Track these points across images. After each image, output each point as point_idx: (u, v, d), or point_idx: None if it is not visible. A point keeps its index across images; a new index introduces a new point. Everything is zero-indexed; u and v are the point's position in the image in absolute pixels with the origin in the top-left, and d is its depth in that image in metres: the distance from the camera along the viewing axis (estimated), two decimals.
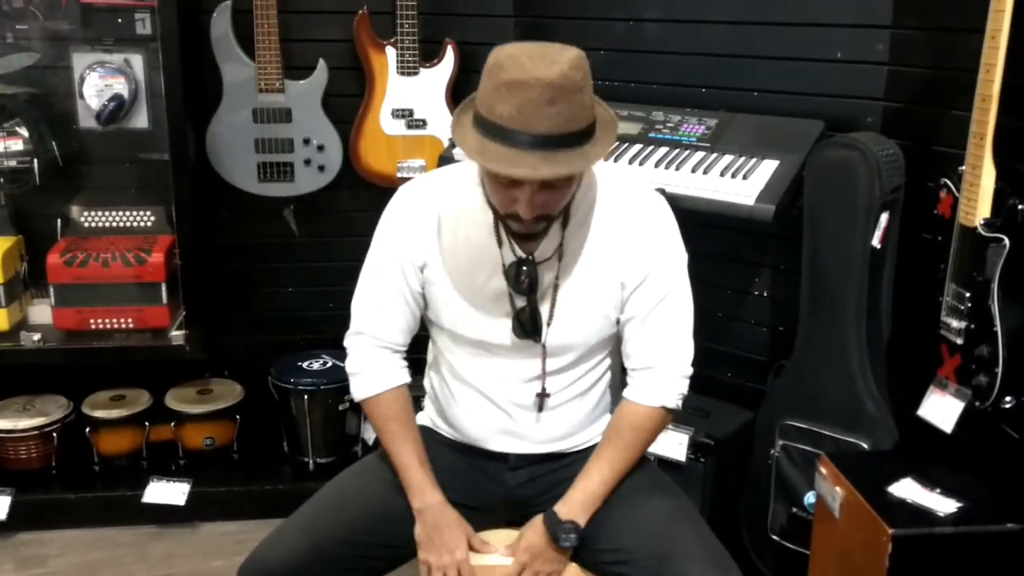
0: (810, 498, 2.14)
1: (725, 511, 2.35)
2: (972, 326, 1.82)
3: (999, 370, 1.77)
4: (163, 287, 2.69)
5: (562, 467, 1.75)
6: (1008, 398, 1.78)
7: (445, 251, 1.65)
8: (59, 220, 2.80)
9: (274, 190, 2.87)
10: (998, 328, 1.77)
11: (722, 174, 2.22)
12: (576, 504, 1.63)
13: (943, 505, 1.78)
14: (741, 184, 2.17)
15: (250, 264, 3.09)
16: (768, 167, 2.19)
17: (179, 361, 2.80)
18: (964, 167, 1.81)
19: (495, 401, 1.71)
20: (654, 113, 2.46)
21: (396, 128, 2.87)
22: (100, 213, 2.83)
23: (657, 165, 2.32)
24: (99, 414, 2.86)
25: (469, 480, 1.77)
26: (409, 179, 1.74)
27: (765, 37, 2.35)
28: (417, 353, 1.82)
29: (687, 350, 1.68)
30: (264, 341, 3.10)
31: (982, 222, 1.78)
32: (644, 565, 1.56)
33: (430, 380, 1.84)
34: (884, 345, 2.16)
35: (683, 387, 1.68)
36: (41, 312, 2.77)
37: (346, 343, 1.76)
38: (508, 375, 1.69)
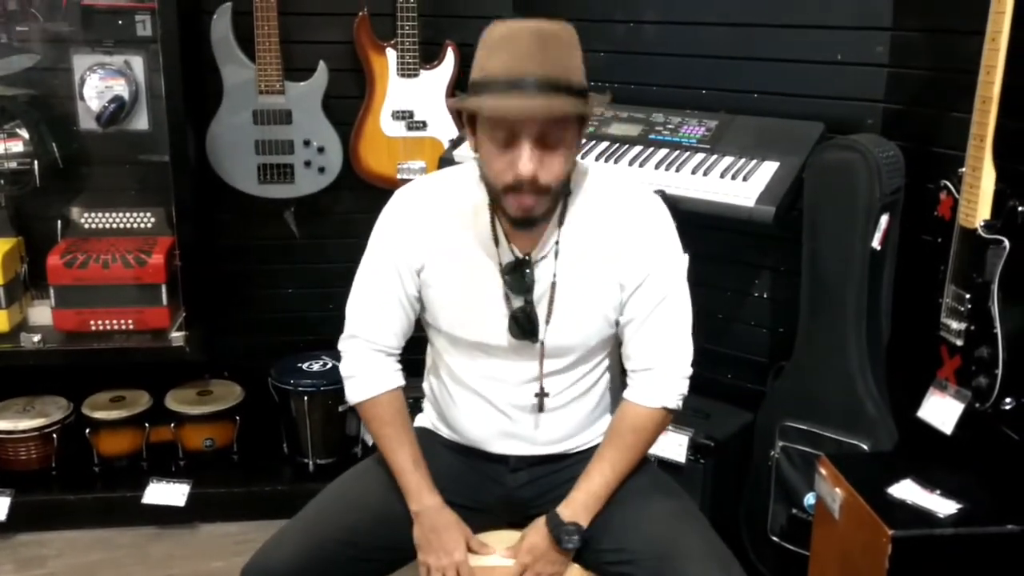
0: (810, 499, 2.15)
1: (725, 512, 2.35)
2: (972, 328, 1.82)
3: (999, 371, 1.77)
4: (163, 288, 2.69)
5: (562, 469, 1.75)
6: (1008, 399, 1.79)
7: (442, 253, 1.65)
8: (59, 221, 2.80)
9: (274, 192, 2.87)
10: (998, 330, 1.77)
11: (722, 176, 2.22)
12: (578, 505, 1.63)
13: (943, 506, 1.78)
14: (741, 186, 2.17)
15: (250, 265, 3.10)
16: (768, 169, 2.19)
17: (179, 362, 2.80)
18: (964, 169, 1.81)
19: (494, 404, 1.71)
20: (654, 115, 2.46)
21: (396, 130, 2.87)
22: (100, 214, 2.83)
23: (657, 167, 2.32)
24: (99, 415, 2.86)
25: (469, 482, 1.77)
26: (409, 180, 1.74)
27: (765, 39, 2.36)
28: (415, 354, 1.82)
29: (687, 351, 1.68)
30: (264, 342, 3.11)
31: (982, 224, 1.78)
32: (647, 565, 1.56)
33: (429, 383, 1.84)
34: (884, 346, 2.16)
35: (683, 388, 1.68)
36: (41, 313, 2.78)
37: (340, 346, 1.75)
38: (507, 377, 1.69)
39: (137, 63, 2.72)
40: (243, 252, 3.07)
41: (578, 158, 1.64)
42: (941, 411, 1.88)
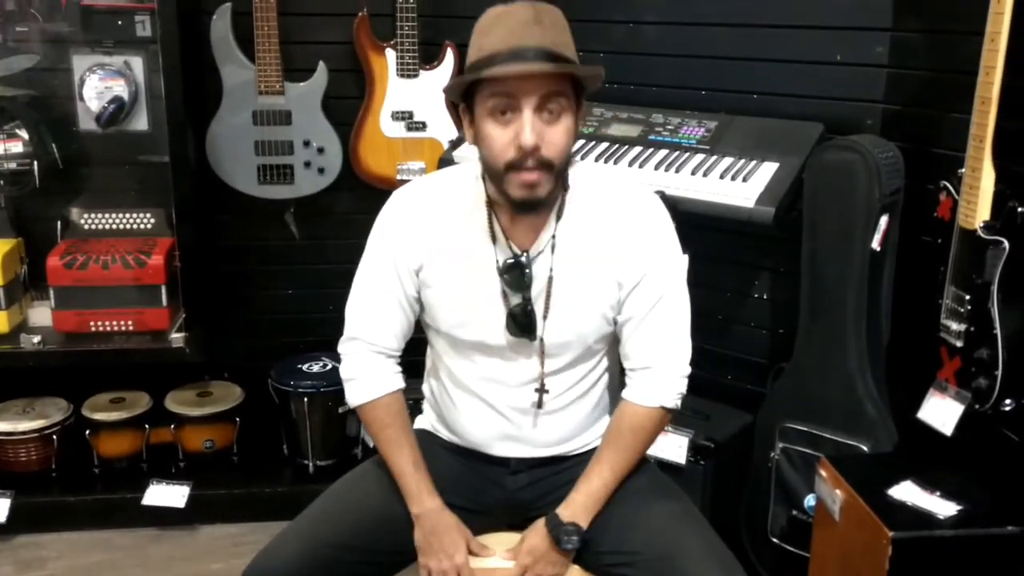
0: (810, 501, 2.15)
1: (725, 514, 2.35)
2: (972, 329, 1.82)
3: (999, 373, 1.77)
4: (163, 289, 2.69)
5: (563, 470, 1.75)
6: (1008, 401, 1.78)
7: (440, 252, 1.65)
8: (59, 222, 2.80)
9: (274, 192, 2.87)
10: (998, 331, 1.77)
11: (722, 176, 2.22)
12: (578, 506, 1.63)
13: (943, 508, 1.78)
14: (741, 186, 2.17)
15: (250, 266, 3.10)
16: (768, 169, 2.19)
17: (179, 363, 2.80)
18: (964, 170, 1.81)
19: (494, 406, 1.71)
20: (654, 115, 2.46)
21: (396, 130, 2.87)
22: (100, 215, 2.83)
23: (657, 167, 2.32)
24: (99, 416, 2.86)
25: (469, 484, 1.76)
26: (409, 181, 1.74)
27: (765, 39, 2.36)
28: (414, 356, 1.82)
29: (685, 350, 1.68)
30: (264, 343, 3.11)
31: (982, 225, 1.78)
32: (647, 566, 1.56)
33: (429, 386, 1.84)
34: (884, 348, 2.16)
35: (682, 387, 1.68)
36: (41, 314, 2.77)
37: (340, 349, 1.75)
38: (507, 379, 1.69)
39: (137, 63, 2.72)
40: (243, 253, 3.07)
41: (577, 158, 1.64)
42: (941, 412, 1.88)
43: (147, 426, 2.90)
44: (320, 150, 2.84)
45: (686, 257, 1.70)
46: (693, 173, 2.26)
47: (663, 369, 1.66)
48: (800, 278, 2.20)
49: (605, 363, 1.75)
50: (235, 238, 3.04)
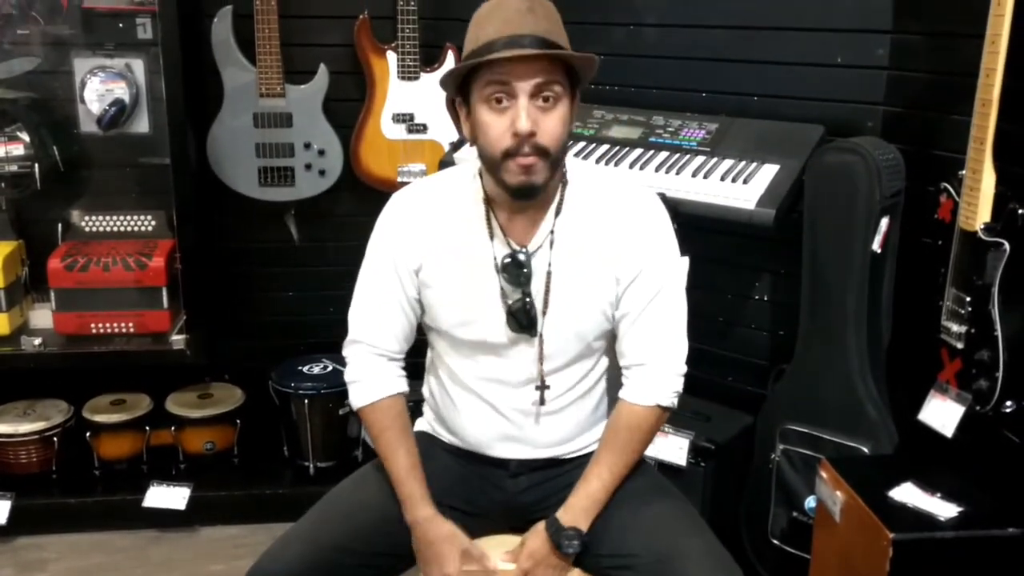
0: (811, 502, 2.15)
1: (725, 515, 2.34)
2: (972, 330, 1.82)
3: (999, 374, 1.77)
4: (164, 291, 2.70)
5: (562, 474, 1.75)
6: (1009, 402, 1.78)
7: (439, 252, 1.66)
8: (60, 224, 2.81)
9: (275, 194, 2.87)
10: (998, 332, 1.77)
11: (722, 178, 2.22)
12: (578, 510, 1.63)
13: (944, 509, 1.78)
14: (741, 188, 2.17)
15: (251, 268, 3.10)
16: (768, 171, 2.19)
17: (180, 365, 2.81)
18: (964, 171, 1.81)
19: (495, 406, 1.71)
20: (654, 117, 2.46)
21: (397, 132, 2.87)
22: (101, 217, 2.83)
23: (657, 169, 2.32)
24: (99, 418, 2.86)
25: (469, 486, 1.76)
26: (410, 183, 1.75)
27: (765, 41, 2.36)
28: (414, 357, 1.82)
29: (681, 347, 1.68)
30: (264, 345, 3.11)
31: (982, 226, 1.78)
32: (646, 568, 1.56)
33: (429, 386, 1.84)
34: (884, 349, 2.16)
35: (678, 385, 1.68)
36: (42, 316, 2.78)
37: (344, 352, 1.76)
38: (508, 378, 1.69)
39: (138, 66, 2.73)
40: (244, 255, 3.08)
41: (571, 153, 1.64)
42: (942, 414, 1.88)
43: (148, 428, 2.90)
44: (321, 152, 2.85)
45: (686, 259, 1.70)
46: (694, 175, 2.26)
47: (659, 366, 1.66)
48: (800, 280, 2.20)
49: (605, 363, 1.75)
50: (236, 240, 3.04)
